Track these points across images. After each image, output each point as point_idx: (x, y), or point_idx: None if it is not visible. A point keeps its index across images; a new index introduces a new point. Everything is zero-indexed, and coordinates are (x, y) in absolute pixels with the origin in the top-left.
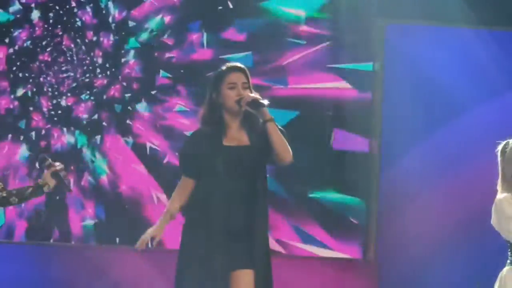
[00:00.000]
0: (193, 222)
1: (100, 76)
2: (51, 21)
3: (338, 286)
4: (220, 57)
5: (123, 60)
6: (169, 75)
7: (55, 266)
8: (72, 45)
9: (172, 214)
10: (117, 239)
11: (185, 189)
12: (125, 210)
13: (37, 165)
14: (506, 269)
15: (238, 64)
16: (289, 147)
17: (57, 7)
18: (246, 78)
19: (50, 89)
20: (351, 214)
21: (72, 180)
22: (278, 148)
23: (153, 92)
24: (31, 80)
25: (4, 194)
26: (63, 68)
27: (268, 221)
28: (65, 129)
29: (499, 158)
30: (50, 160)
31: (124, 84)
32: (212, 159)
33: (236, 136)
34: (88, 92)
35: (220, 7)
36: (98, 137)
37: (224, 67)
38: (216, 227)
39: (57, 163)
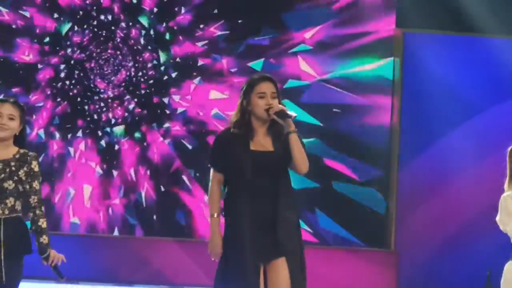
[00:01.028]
0: (228, 217)
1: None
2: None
3: (359, 275)
4: None
5: None
6: None
7: (102, 256)
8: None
9: (218, 216)
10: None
11: (218, 185)
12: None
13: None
14: (508, 263)
15: (268, 75)
16: (306, 159)
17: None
18: (275, 88)
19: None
20: (372, 205)
21: None
22: (297, 158)
23: None
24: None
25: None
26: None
27: (298, 214)
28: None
29: (507, 159)
30: (47, 251)
31: None
32: (239, 160)
33: (262, 141)
34: None
35: None
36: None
37: (255, 76)
38: (246, 221)
39: (50, 256)
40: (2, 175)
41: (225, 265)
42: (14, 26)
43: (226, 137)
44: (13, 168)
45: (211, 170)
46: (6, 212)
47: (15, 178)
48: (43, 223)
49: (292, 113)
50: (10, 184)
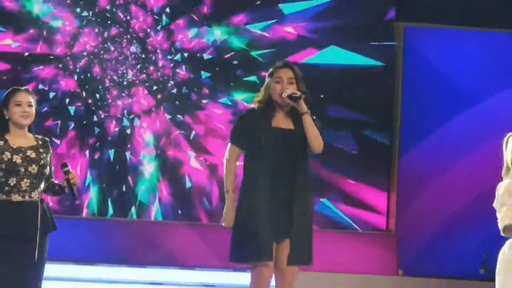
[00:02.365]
0: (246, 192)
1: None
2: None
3: (361, 255)
4: None
5: None
6: None
7: (117, 238)
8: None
9: (233, 192)
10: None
11: (235, 161)
12: None
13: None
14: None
15: (289, 62)
16: (320, 138)
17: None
18: (293, 74)
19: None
20: (375, 192)
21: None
22: (311, 138)
23: None
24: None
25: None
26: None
27: (311, 195)
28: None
29: (503, 149)
30: (68, 167)
31: None
32: (260, 137)
33: (284, 121)
34: None
35: None
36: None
37: (278, 63)
38: (263, 197)
39: (71, 172)
40: (42, 161)
41: (242, 237)
42: None
43: (250, 115)
44: (44, 154)
45: (229, 146)
46: (40, 195)
47: (48, 163)
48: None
49: (298, 94)
50: (47, 170)
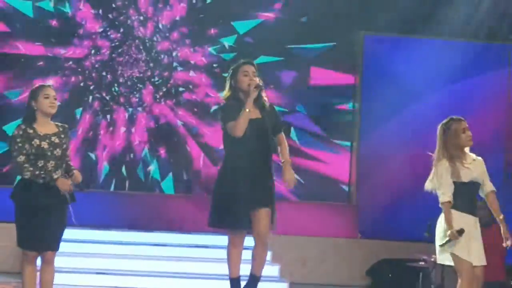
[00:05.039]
0: (227, 169)
1: None
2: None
3: (326, 225)
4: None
5: None
6: None
7: (129, 210)
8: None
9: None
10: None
11: None
12: None
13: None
14: (440, 218)
15: (250, 60)
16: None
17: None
18: (255, 69)
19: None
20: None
21: None
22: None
23: None
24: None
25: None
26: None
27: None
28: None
29: (437, 134)
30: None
31: None
32: None
33: (253, 111)
34: None
35: None
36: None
37: (240, 61)
38: (242, 174)
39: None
40: (64, 145)
41: (220, 207)
42: None
43: (228, 105)
44: (64, 139)
45: (229, 124)
46: (62, 173)
47: (68, 146)
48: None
49: (261, 84)
50: (68, 152)
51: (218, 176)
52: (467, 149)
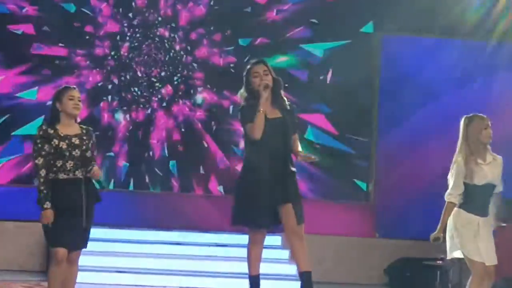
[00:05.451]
0: (248, 168)
1: None
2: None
3: (344, 224)
4: None
5: None
6: None
7: (148, 209)
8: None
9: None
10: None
11: None
12: None
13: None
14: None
15: (261, 58)
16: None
17: None
18: (266, 67)
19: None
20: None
21: None
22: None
23: None
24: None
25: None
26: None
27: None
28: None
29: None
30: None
31: None
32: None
33: (271, 111)
34: None
35: None
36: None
37: (251, 61)
38: (263, 174)
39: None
40: (84, 147)
41: (242, 206)
42: None
43: (247, 105)
44: (86, 141)
45: (248, 125)
46: (84, 173)
47: (89, 148)
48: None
49: (266, 83)
50: (89, 154)
51: (240, 175)
52: (488, 146)
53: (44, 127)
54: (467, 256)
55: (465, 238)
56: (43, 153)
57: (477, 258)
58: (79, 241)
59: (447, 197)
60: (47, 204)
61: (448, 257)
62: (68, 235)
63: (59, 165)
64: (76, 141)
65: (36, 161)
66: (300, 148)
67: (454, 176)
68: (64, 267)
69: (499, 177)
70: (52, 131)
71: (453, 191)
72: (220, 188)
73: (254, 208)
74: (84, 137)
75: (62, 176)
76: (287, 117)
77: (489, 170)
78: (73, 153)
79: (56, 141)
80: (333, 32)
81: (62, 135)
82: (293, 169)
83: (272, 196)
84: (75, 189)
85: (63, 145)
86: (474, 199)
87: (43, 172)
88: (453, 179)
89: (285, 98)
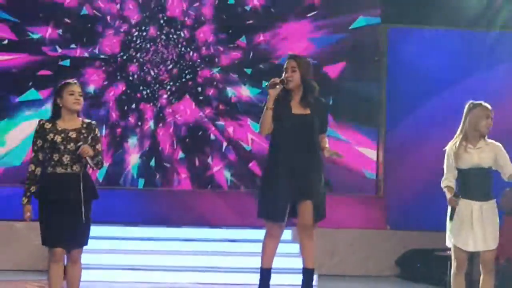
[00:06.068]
0: (269, 163)
1: None
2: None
3: (354, 217)
4: None
5: None
6: None
7: (158, 206)
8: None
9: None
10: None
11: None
12: None
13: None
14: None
15: (293, 53)
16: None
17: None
18: (295, 63)
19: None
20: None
21: None
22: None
23: None
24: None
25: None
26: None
27: (322, 165)
28: None
29: (465, 108)
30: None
31: None
32: (283, 121)
33: (299, 107)
34: None
35: None
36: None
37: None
38: (284, 168)
39: (82, 147)
40: (82, 141)
41: (263, 198)
42: None
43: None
44: (85, 135)
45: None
46: (82, 168)
47: (87, 142)
48: (100, 161)
49: (277, 80)
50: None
51: (264, 169)
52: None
53: (41, 122)
54: (452, 242)
55: (454, 224)
56: (35, 148)
57: (460, 245)
58: (78, 239)
59: (442, 183)
60: (24, 200)
61: (447, 244)
62: (65, 234)
63: (56, 159)
64: (72, 135)
65: (32, 156)
66: (327, 145)
67: (445, 159)
68: (62, 266)
69: (501, 159)
70: (49, 126)
71: (447, 175)
72: (230, 184)
73: (271, 201)
74: (83, 131)
75: (59, 170)
76: (316, 115)
77: (477, 155)
78: (68, 146)
79: (51, 135)
80: (339, 24)
81: (59, 129)
82: (320, 165)
83: (291, 191)
84: (72, 184)
85: (58, 138)
86: (468, 183)
87: (30, 167)
88: (446, 163)
89: (318, 97)
